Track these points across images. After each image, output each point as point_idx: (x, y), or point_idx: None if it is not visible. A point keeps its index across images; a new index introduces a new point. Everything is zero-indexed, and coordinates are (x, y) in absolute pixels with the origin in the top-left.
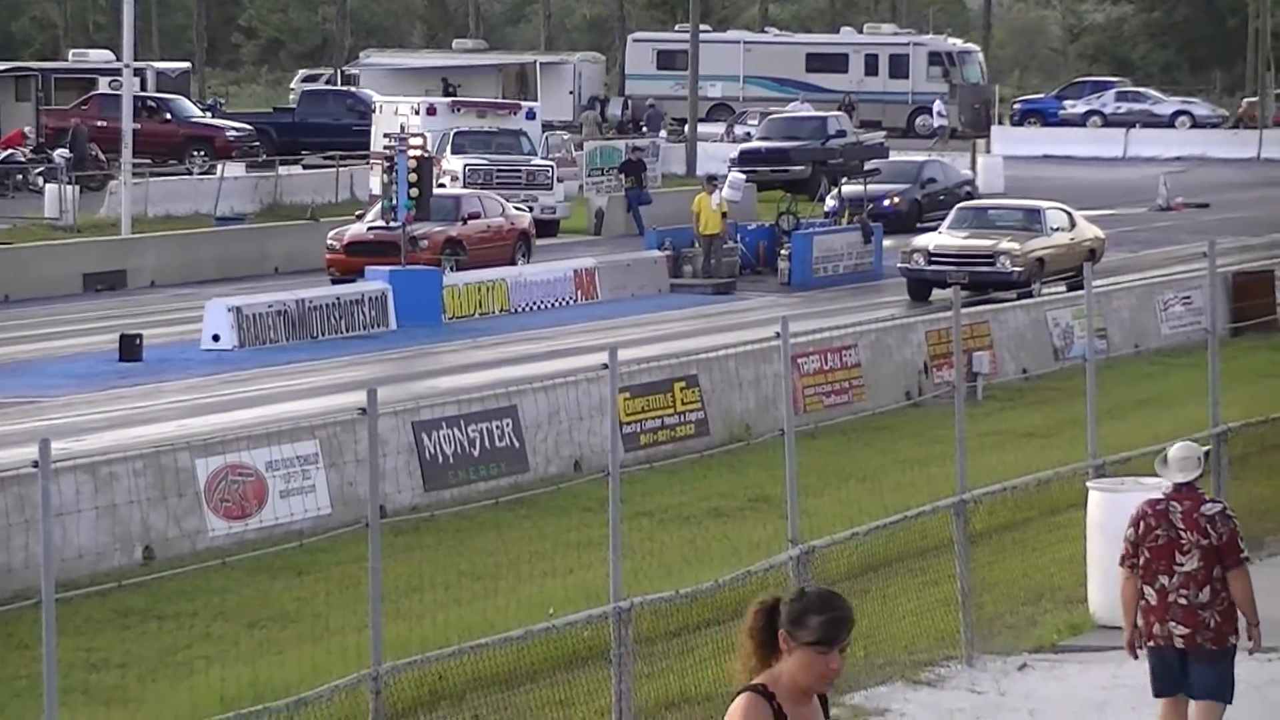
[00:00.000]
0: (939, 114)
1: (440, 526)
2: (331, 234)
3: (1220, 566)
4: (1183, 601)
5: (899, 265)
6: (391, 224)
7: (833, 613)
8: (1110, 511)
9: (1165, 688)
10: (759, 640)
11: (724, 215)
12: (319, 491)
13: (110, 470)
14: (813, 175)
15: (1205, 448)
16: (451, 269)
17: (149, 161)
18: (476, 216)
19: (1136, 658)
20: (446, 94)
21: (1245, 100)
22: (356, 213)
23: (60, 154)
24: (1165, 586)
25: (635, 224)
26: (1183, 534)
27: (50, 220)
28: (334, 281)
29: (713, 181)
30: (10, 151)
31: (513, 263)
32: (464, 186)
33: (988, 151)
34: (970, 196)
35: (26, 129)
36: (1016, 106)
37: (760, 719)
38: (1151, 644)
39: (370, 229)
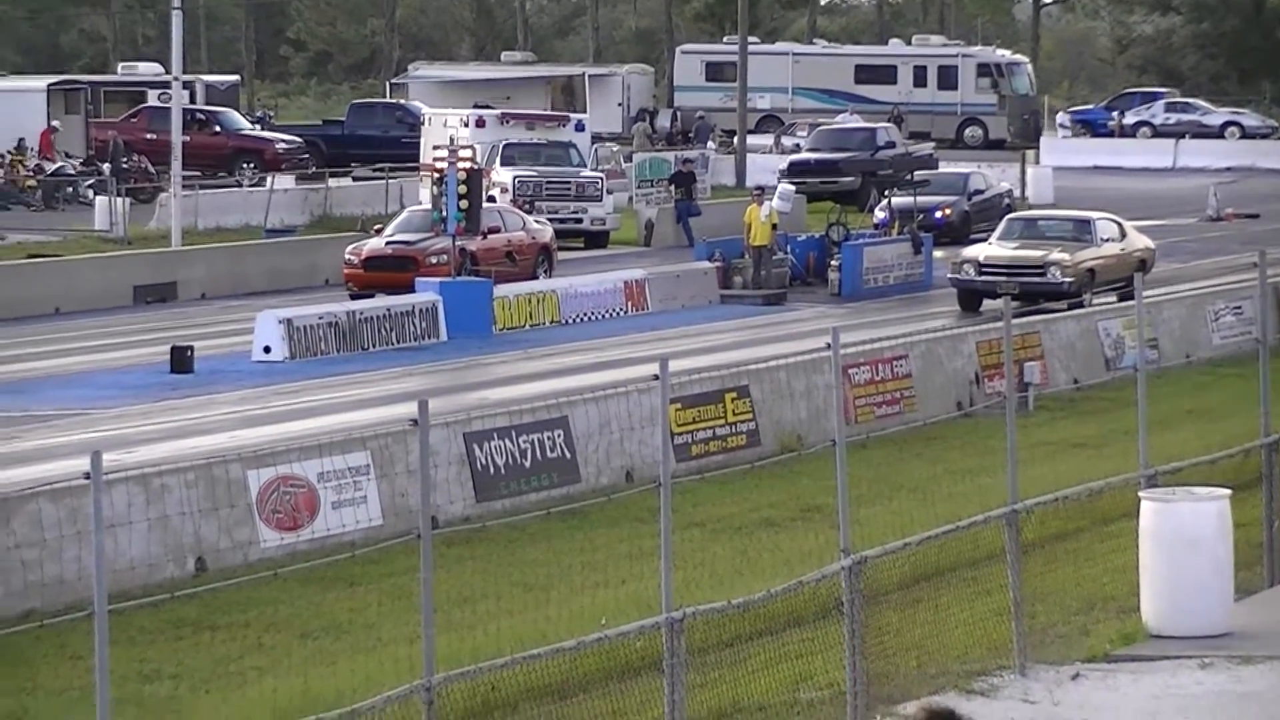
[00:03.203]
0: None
1: (492, 537)
2: (350, 249)
3: None
4: None
5: (949, 276)
6: (411, 239)
7: None
8: (1163, 521)
9: None
10: None
11: (774, 226)
12: (370, 503)
13: (162, 482)
14: (862, 186)
15: None
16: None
17: (198, 174)
18: (496, 230)
19: None
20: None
21: None
22: (375, 227)
23: (105, 167)
24: None
25: (685, 235)
26: None
27: (101, 232)
28: (352, 297)
29: (761, 193)
30: (61, 164)
31: (534, 277)
32: (513, 199)
33: (1037, 162)
34: (1011, 208)
35: (55, 123)
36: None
37: None
38: None
39: (389, 243)
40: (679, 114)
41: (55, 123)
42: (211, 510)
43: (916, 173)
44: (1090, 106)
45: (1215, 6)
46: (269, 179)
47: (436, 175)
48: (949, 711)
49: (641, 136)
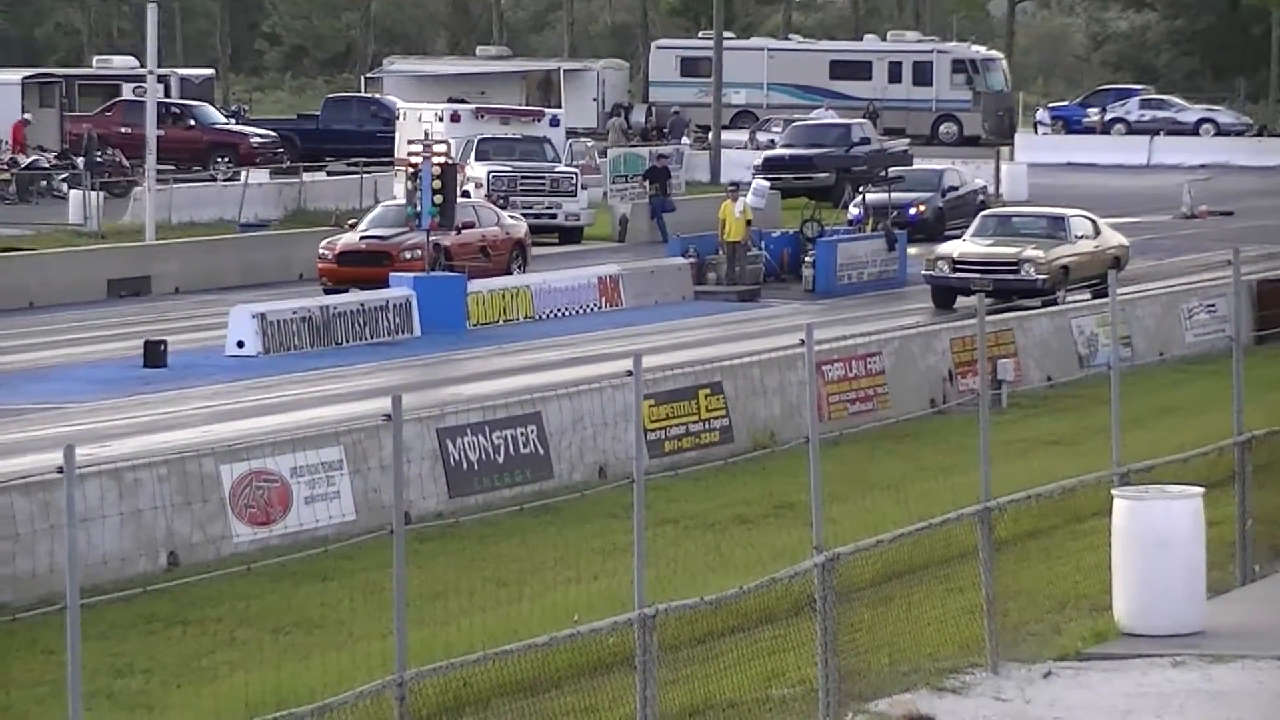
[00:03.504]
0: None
1: (465, 533)
2: (323, 244)
3: None
4: None
5: (923, 273)
6: (385, 234)
7: None
8: (1135, 519)
9: None
10: None
11: (748, 222)
12: (343, 498)
13: (135, 476)
14: (837, 182)
15: None
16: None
17: (173, 168)
18: (470, 226)
19: None
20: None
21: None
22: (349, 222)
23: (79, 161)
24: None
25: (659, 231)
26: None
27: (75, 226)
28: (326, 292)
29: (736, 189)
30: (35, 158)
31: (508, 273)
32: (488, 194)
33: (1011, 159)
34: (985, 205)
35: (26, 115)
36: (1040, 114)
37: None
38: None
39: (363, 238)
40: (654, 109)
41: (27, 115)
42: (184, 505)
43: (891, 169)
44: (1065, 103)
45: (1190, 3)
46: (243, 173)
47: (411, 170)
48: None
49: (616, 132)
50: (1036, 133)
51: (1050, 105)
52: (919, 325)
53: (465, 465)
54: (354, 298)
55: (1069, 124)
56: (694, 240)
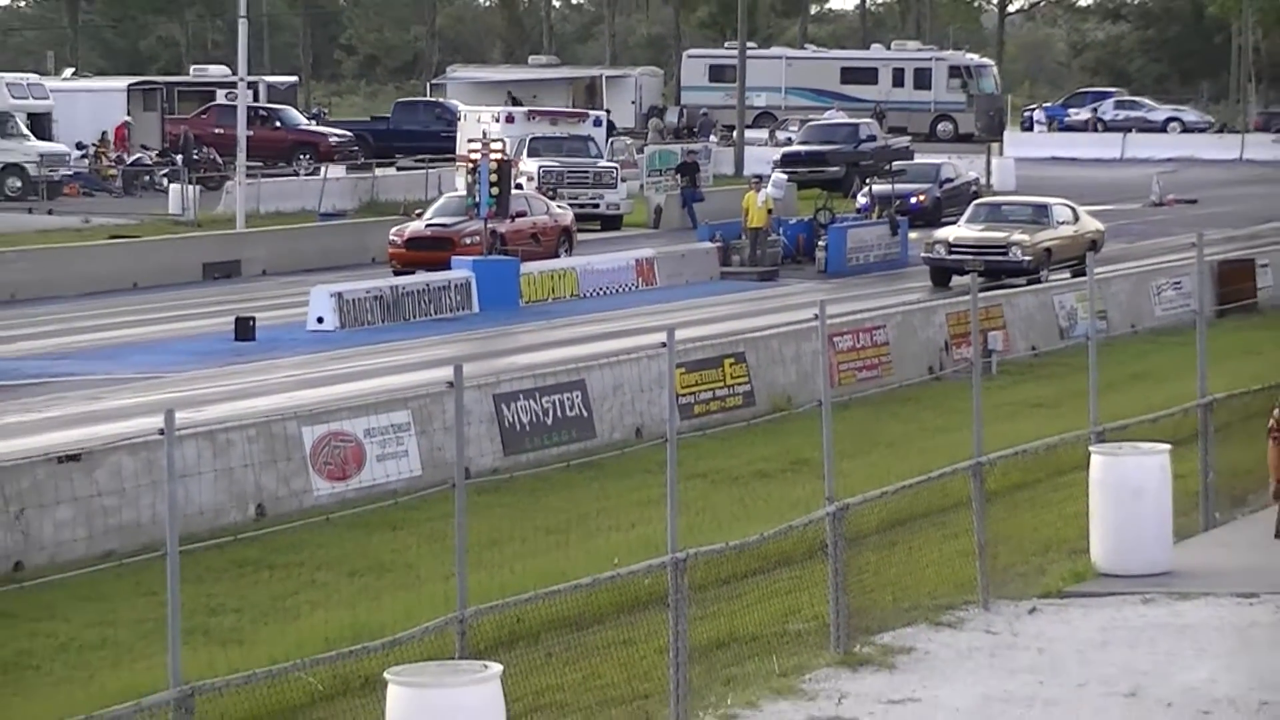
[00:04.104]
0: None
1: (517, 487)
2: (393, 231)
3: None
4: None
5: (922, 255)
6: (448, 222)
7: None
8: (1110, 473)
9: None
10: None
11: (769, 211)
12: (411, 456)
13: (227, 437)
14: (846, 175)
15: None
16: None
17: (261, 164)
18: (523, 214)
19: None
20: (512, 105)
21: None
22: (416, 212)
23: (178, 158)
24: None
25: (690, 219)
26: None
27: (174, 216)
28: (396, 273)
29: (759, 181)
30: (139, 155)
31: (556, 256)
32: (538, 187)
33: (1001, 154)
34: (977, 194)
35: (128, 118)
36: (1026, 114)
37: None
38: None
39: (428, 226)
40: (685, 111)
41: (128, 118)
42: (270, 462)
43: (894, 163)
44: (1049, 104)
45: (1160, 15)
46: (323, 169)
47: (471, 165)
48: None
49: (655, 131)
50: (1034, 130)
51: (1045, 106)
52: (919, 301)
53: (518, 427)
54: (420, 278)
55: (1059, 121)
56: (720, 227)
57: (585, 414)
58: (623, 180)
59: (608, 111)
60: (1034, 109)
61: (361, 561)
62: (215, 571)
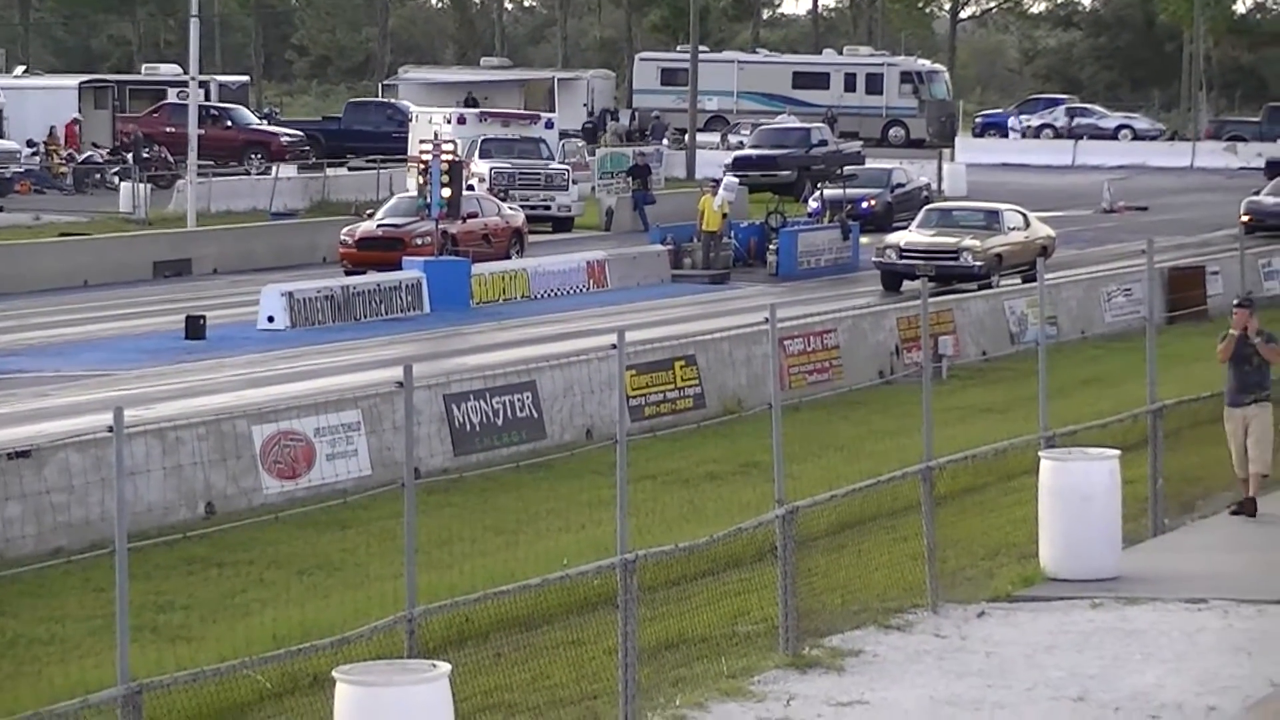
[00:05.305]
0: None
1: (467, 487)
2: (345, 230)
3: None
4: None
5: (873, 259)
6: (399, 222)
7: None
8: (1060, 478)
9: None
10: None
11: (724, 215)
12: (361, 455)
13: (177, 435)
14: (798, 179)
15: None
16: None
17: (212, 163)
18: (474, 216)
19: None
20: (469, 106)
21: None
22: (367, 212)
23: (129, 156)
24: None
25: (641, 221)
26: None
27: (125, 214)
28: (347, 273)
29: (715, 185)
30: (90, 154)
31: (507, 257)
32: (489, 187)
33: (952, 159)
34: (929, 199)
35: (77, 115)
36: (978, 120)
37: None
38: None
39: (379, 226)
40: (637, 114)
41: (78, 115)
42: (220, 460)
43: (846, 168)
44: (999, 110)
45: (1111, 23)
46: (274, 168)
47: (422, 166)
48: None
49: (612, 135)
50: (1009, 137)
51: (1023, 112)
52: (869, 306)
53: (468, 427)
54: (371, 278)
55: (1002, 129)
56: (672, 229)
57: (536, 415)
58: (574, 183)
59: (559, 115)
60: (1010, 115)
61: (311, 560)
62: (164, 569)
